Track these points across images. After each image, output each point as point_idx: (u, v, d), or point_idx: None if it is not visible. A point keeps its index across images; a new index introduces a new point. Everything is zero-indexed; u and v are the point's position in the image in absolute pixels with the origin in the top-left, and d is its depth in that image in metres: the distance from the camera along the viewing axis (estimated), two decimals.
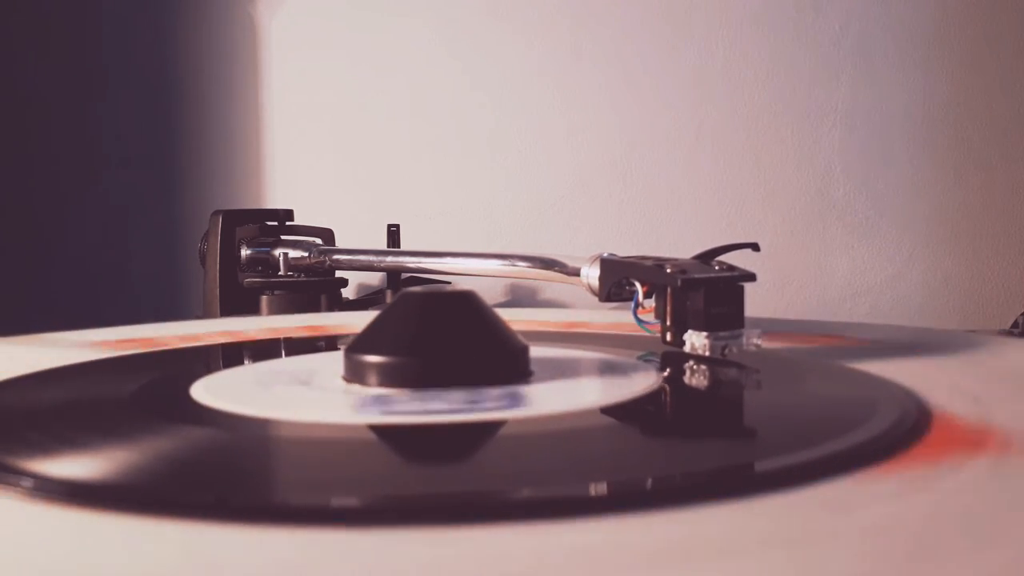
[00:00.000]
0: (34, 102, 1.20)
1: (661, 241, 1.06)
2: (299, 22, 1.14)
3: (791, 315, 0.74)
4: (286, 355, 0.46)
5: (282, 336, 0.53)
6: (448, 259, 0.67)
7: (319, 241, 0.89)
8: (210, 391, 0.32)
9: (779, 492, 0.21)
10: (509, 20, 1.09)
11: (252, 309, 0.84)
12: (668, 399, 0.33)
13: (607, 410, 0.30)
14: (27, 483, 0.22)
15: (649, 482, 0.23)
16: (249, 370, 0.39)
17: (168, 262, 1.16)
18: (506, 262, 0.59)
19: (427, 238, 1.07)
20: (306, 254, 0.84)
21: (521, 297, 1.05)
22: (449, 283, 0.75)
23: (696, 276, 0.37)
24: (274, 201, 1.14)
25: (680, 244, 1.05)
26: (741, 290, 0.38)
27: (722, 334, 0.37)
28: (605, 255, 0.45)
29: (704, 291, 0.37)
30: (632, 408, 0.30)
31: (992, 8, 1.03)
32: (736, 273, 0.38)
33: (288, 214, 0.90)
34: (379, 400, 0.31)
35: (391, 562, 0.17)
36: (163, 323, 0.55)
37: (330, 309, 0.85)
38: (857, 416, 0.28)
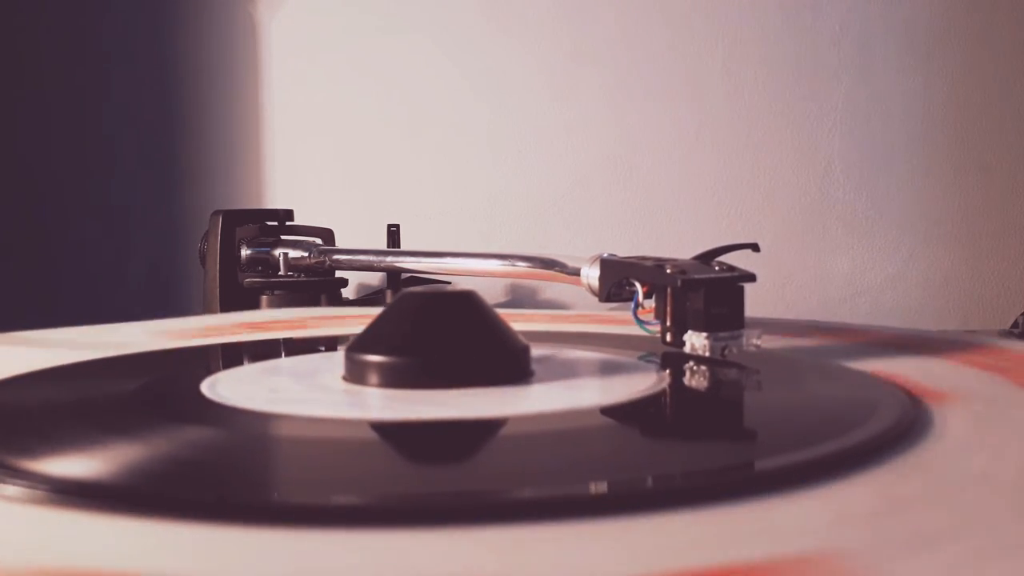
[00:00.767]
0: (34, 102, 1.20)
1: (661, 241, 1.06)
2: (299, 22, 1.14)
3: (791, 315, 0.74)
4: (286, 355, 0.46)
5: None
6: (448, 259, 0.67)
7: (319, 241, 0.89)
8: (211, 390, 0.32)
9: (779, 492, 0.21)
10: (509, 20, 1.09)
11: (252, 309, 0.84)
12: (668, 400, 0.33)
13: (607, 410, 0.30)
14: (27, 483, 0.22)
15: (649, 482, 0.23)
16: (249, 370, 0.39)
17: (168, 262, 1.16)
18: (506, 262, 0.59)
19: (427, 238, 1.07)
20: (306, 254, 0.84)
21: (521, 297, 1.05)
22: (449, 283, 0.75)
23: (696, 276, 0.37)
24: (274, 201, 1.14)
25: (680, 244, 1.05)
26: (741, 290, 0.38)
27: (722, 334, 0.37)
28: (605, 255, 0.45)
29: (704, 291, 0.37)
30: (632, 409, 0.30)
31: (992, 8, 1.03)
32: (736, 273, 0.38)
33: (288, 214, 0.90)
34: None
35: (391, 562, 0.17)
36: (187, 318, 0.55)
37: None
38: (857, 416, 0.28)
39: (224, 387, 0.33)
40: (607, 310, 0.61)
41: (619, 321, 0.54)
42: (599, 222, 1.08)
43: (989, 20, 1.03)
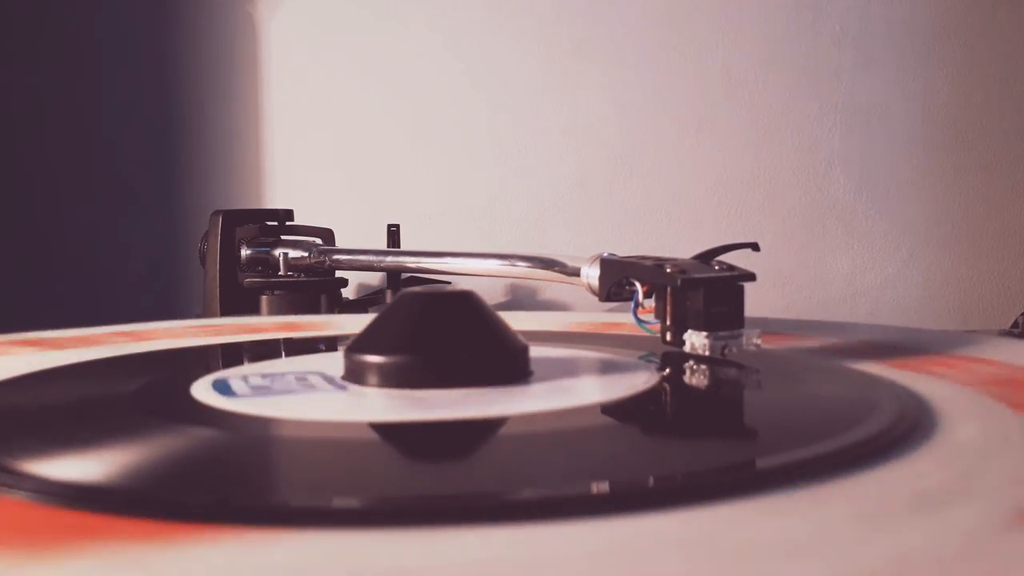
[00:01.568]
0: (33, 102, 1.20)
1: (661, 241, 1.06)
2: (299, 22, 1.14)
3: (791, 315, 0.74)
4: (286, 355, 0.46)
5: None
6: (448, 259, 0.67)
7: (319, 241, 0.89)
8: (210, 390, 0.32)
9: (779, 491, 0.21)
10: (509, 20, 1.09)
11: (252, 309, 0.84)
12: (668, 399, 0.33)
13: (607, 410, 0.30)
14: (26, 484, 0.22)
15: (650, 481, 0.23)
16: (248, 370, 0.39)
17: (168, 262, 1.16)
18: (506, 262, 0.59)
19: (427, 238, 1.07)
20: (306, 254, 0.84)
21: (521, 297, 1.05)
22: (449, 283, 0.75)
23: (696, 276, 0.37)
24: (274, 201, 1.14)
25: (680, 244, 1.05)
26: (741, 290, 0.38)
27: (722, 334, 0.37)
28: (605, 255, 0.45)
29: (704, 291, 0.37)
30: (632, 408, 0.30)
31: (992, 8, 1.03)
32: (736, 273, 0.38)
33: (288, 214, 0.90)
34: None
35: (391, 562, 0.17)
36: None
37: (330, 309, 0.85)
38: (857, 416, 0.28)
39: (224, 387, 0.33)
40: (607, 310, 0.61)
41: (619, 322, 0.54)
42: (599, 222, 1.08)
43: (989, 20, 1.03)
